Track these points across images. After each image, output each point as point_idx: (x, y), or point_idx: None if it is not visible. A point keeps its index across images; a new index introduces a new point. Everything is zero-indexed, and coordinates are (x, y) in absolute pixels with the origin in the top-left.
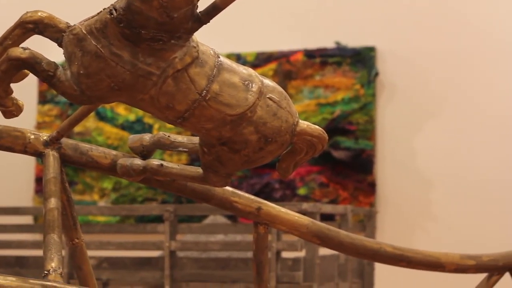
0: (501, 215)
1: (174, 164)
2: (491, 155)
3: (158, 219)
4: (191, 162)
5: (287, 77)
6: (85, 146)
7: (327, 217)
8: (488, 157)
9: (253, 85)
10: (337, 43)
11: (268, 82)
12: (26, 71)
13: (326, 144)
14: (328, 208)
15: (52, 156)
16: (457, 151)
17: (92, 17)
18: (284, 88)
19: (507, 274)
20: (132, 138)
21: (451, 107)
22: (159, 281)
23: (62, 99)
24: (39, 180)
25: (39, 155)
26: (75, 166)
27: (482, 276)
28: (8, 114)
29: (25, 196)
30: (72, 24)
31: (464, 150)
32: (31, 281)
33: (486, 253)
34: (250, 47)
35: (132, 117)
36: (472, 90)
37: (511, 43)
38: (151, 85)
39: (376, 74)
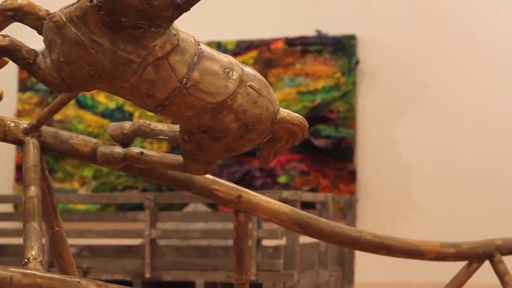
0: (481, 203)
1: (154, 152)
2: (472, 144)
3: (139, 207)
4: (171, 150)
5: (267, 65)
6: (65, 134)
7: (307, 205)
8: (468, 146)
9: (234, 73)
10: (318, 31)
11: (248, 70)
12: (6, 58)
13: (306, 132)
14: (308, 196)
15: (32, 144)
16: (438, 139)
17: (72, 4)
18: (265, 76)
19: (486, 262)
20: (113, 126)
21: (432, 95)
22: (139, 269)
23: (42, 87)
24: (19, 168)
25: (19, 143)
26: (55, 154)
27: (462, 264)
28: None
29: (5, 184)
30: (52, 11)
31: (444, 139)
32: (11, 269)
33: (466, 241)
34: (231, 35)
35: (112, 105)
36: (453, 79)
37: (492, 34)
38: (131, 73)
39: (357, 62)
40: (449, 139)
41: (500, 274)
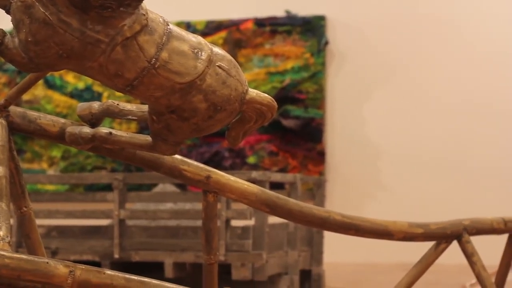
0: (449, 184)
1: (123, 132)
2: (440, 125)
3: (107, 188)
4: (140, 131)
5: (237, 46)
6: (33, 114)
7: (276, 186)
8: (436, 127)
9: (203, 53)
10: (287, 12)
11: (217, 50)
12: None
13: (275, 113)
14: (277, 177)
15: (0, 124)
16: (406, 120)
17: None
18: (234, 56)
19: (454, 242)
20: (81, 106)
21: (401, 76)
22: (108, 250)
23: (10, 67)
24: None
25: None
26: (23, 134)
27: (430, 244)
28: None
29: None
30: None
31: (412, 119)
32: None
33: (434, 221)
34: (200, 15)
35: (81, 85)
36: (421, 59)
37: (459, 16)
38: (99, 53)
39: (326, 43)
40: (417, 120)
41: (468, 254)
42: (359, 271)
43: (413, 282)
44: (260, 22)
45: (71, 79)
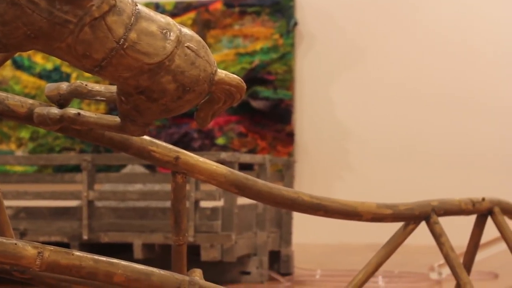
0: (416, 165)
1: (91, 113)
2: (407, 107)
3: (76, 169)
4: (109, 112)
5: (206, 27)
6: (1, 94)
7: (245, 167)
8: (404, 109)
9: (171, 34)
10: None
11: (186, 31)
12: None
13: (244, 94)
14: (246, 158)
15: None
16: (374, 102)
17: None
18: (203, 37)
19: (423, 223)
20: (49, 87)
21: (369, 58)
22: (77, 231)
23: None
24: None
25: None
26: None
27: (398, 225)
28: None
29: None
30: None
31: (380, 101)
32: None
33: (403, 202)
34: None
35: (49, 66)
36: (390, 42)
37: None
38: (68, 33)
39: (295, 24)
40: (385, 102)
41: (436, 235)
42: (328, 252)
43: (381, 262)
44: (229, 3)
45: (39, 59)
